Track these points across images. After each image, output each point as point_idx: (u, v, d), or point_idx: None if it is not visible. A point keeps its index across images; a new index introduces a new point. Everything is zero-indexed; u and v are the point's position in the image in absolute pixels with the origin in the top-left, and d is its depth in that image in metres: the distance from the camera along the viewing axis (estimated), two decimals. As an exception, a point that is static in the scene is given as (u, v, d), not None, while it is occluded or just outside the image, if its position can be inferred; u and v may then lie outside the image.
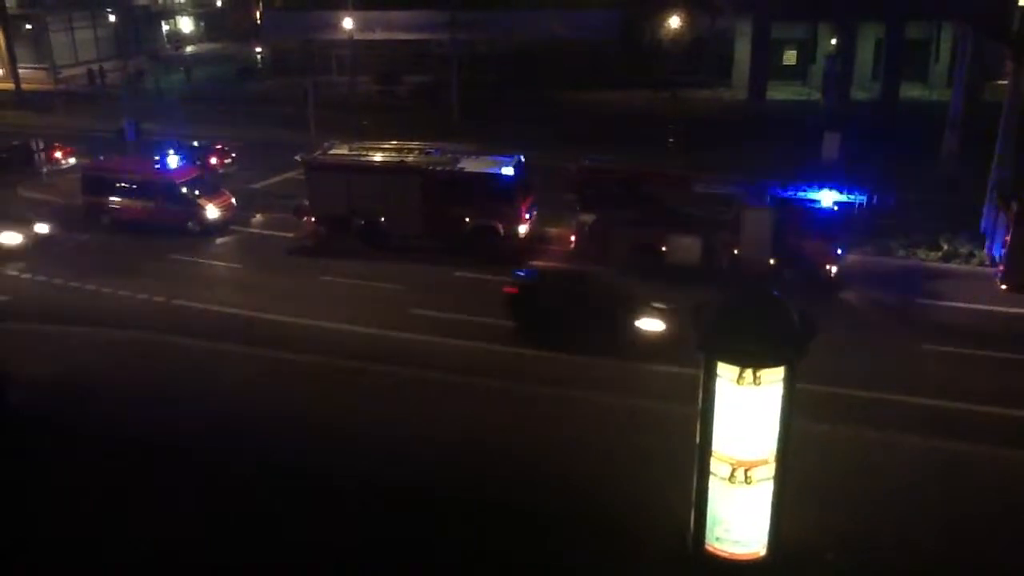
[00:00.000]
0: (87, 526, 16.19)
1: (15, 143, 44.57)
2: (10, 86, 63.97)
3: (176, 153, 36.44)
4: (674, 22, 51.82)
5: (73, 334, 24.80)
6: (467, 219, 31.29)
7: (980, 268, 29.71)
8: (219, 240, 33.81)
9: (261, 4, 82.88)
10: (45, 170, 42.54)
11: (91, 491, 17.11)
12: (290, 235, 33.57)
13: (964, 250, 30.63)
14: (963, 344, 23.97)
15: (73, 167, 42.50)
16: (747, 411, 13.33)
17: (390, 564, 15.36)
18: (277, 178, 41.32)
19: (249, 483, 17.42)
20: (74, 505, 16.68)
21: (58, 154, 43.96)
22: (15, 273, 30.37)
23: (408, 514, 16.54)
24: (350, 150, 33.56)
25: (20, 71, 64.45)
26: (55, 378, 21.79)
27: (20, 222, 32.87)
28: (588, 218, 30.06)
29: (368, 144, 34.75)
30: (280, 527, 16.15)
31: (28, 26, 71.69)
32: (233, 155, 43.91)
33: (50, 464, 18.09)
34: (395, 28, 65.76)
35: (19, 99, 61.98)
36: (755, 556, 14.36)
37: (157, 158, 35.34)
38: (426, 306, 26.92)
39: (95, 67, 71.00)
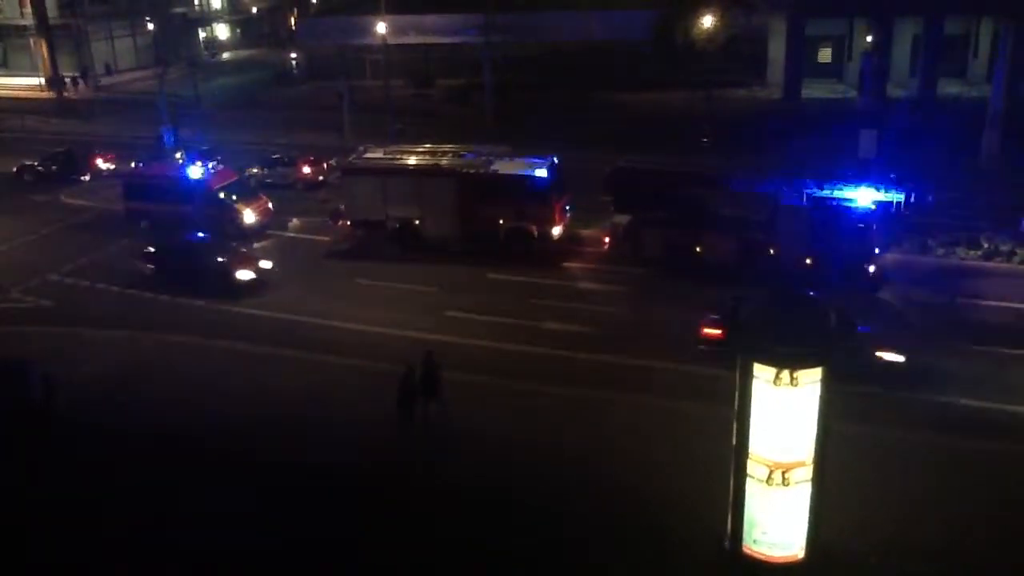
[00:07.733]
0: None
1: (60, 150, 45.41)
2: (53, 95, 65.06)
3: None
4: (708, 21, 51.40)
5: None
6: (501, 221, 31.33)
7: (1021, 267, 29.22)
8: (256, 244, 34.10)
9: (296, 10, 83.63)
10: (87, 176, 43.26)
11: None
12: (326, 239, 33.83)
13: (1005, 248, 30.14)
14: (1005, 344, 23.58)
15: (114, 173, 43.09)
16: (784, 412, 13.26)
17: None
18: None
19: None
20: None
21: (99, 160, 44.64)
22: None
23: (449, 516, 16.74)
24: (385, 153, 33.75)
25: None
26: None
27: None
28: (622, 219, 29.98)
29: (403, 147, 34.91)
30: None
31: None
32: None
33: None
34: (429, 32, 65.93)
35: (62, 107, 63.03)
36: (794, 559, 14.28)
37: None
38: (461, 308, 27.07)
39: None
